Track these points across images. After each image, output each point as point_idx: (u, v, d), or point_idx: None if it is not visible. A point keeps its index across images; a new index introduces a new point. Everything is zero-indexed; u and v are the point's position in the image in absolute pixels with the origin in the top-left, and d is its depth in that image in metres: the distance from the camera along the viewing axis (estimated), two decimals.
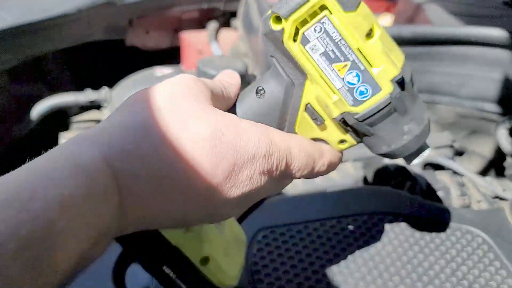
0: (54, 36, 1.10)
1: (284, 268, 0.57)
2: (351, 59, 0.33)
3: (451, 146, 0.93)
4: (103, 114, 1.14)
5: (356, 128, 0.36)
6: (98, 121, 1.20)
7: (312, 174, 0.39)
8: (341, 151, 0.41)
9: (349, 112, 0.35)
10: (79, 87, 1.49)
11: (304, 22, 0.33)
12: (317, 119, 0.37)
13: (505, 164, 1.01)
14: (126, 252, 0.48)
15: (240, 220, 0.61)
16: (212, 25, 1.58)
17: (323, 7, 0.32)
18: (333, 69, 0.34)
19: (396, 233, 0.64)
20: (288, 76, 0.37)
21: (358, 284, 0.56)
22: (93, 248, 0.28)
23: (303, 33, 0.33)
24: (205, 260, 0.41)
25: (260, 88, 0.38)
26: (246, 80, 1.11)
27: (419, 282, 0.57)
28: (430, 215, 0.68)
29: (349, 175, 0.83)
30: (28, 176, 0.27)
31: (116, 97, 1.09)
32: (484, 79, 0.94)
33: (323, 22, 0.33)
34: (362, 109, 0.35)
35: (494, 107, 0.95)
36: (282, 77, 0.37)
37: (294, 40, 0.34)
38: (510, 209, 0.71)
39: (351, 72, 0.34)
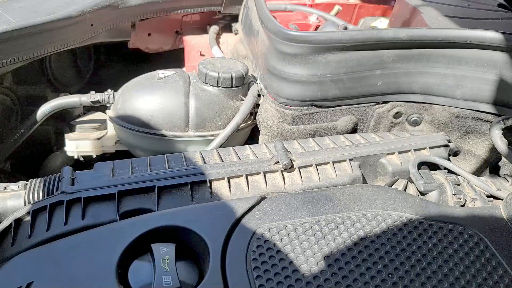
0: (58, 38, 1.12)
1: (283, 264, 0.59)
2: None
3: (447, 146, 0.95)
4: (106, 115, 1.16)
5: None
6: (101, 122, 1.21)
7: None
8: None
9: None
10: (83, 89, 1.51)
11: None
12: None
13: (500, 163, 1.02)
14: (129, 250, 0.49)
15: (240, 218, 0.62)
16: (213, 28, 1.60)
17: None
18: None
19: (393, 231, 0.66)
20: None
21: (356, 281, 0.58)
22: None
23: None
24: None
25: None
26: (245, 81, 1.13)
27: (416, 279, 0.59)
28: (426, 213, 0.69)
29: (346, 174, 0.84)
30: None
31: (120, 99, 1.10)
32: (479, 80, 0.96)
33: None
34: None
35: (488, 108, 0.97)
36: None
37: None
38: (505, 207, 0.72)
39: None
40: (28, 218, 0.68)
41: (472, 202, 0.82)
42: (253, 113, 1.14)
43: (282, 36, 0.98)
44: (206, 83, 1.09)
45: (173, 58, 1.68)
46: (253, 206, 0.68)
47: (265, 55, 1.06)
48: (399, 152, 0.90)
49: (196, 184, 0.76)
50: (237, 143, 1.15)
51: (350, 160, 0.86)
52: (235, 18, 1.60)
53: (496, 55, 0.93)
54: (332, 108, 1.03)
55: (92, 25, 1.23)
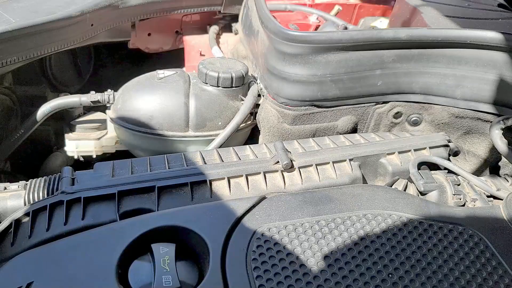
0: (58, 38, 1.12)
1: (283, 264, 0.59)
2: None
3: (447, 146, 0.95)
4: (106, 115, 1.16)
5: None
6: (101, 122, 1.21)
7: None
8: None
9: None
10: (83, 89, 1.51)
11: None
12: None
13: (500, 163, 1.02)
14: (129, 250, 0.49)
15: (240, 218, 0.62)
16: (213, 28, 1.60)
17: None
18: None
19: (393, 231, 0.66)
20: None
21: (356, 281, 0.58)
22: None
23: None
24: None
25: None
26: (245, 81, 1.13)
27: (416, 279, 0.59)
28: (426, 213, 0.69)
29: (346, 174, 0.84)
30: None
31: (120, 99, 1.10)
32: (479, 80, 0.96)
33: None
34: None
35: (488, 108, 0.97)
36: None
37: None
38: (505, 207, 0.72)
39: None
40: (28, 218, 0.68)
41: (472, 202, 0.82)
42: (253, 113, 1.14)
43: (282, 36, 0.98)
44: (206, 83, 1.09)
45: (173, 58, 1.68)
46: (253, 206, 0.68)
47: (265, 55, 1.06)
48: (399, 152, 0.90)
49: (196, 184, 0.76)
50: (237, 143, 1.15)
51: (350, 160, 0.86)
52: (235, 18, 1.60)
53: (496, 55, 0.93)
54: (332, 108, 1.03)
55: (92, 25, 1.23)
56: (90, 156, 1.21)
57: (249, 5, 1.34)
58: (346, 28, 1.44)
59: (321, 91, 1.00)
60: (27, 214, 0.69)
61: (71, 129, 1.21)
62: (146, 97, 1.07)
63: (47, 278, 0.56)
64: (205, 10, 1.56)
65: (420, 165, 0.88)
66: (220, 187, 0.77)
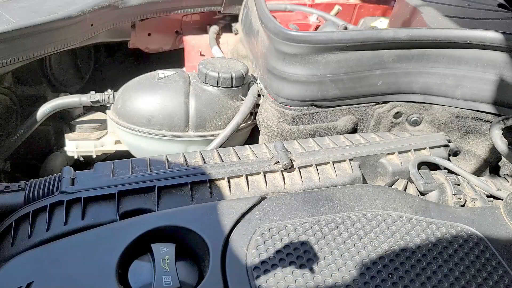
0: (58, 38, 1.12)
1: (282, 264, 0.59)
2: None
3: (447, 146, 0.95)
4: (106, 115, 1.16)
5: None
6: (101, 122, 1.21)
7: None
8: None
9: None
10: (83, 89, 1.51)
11: None
12: None
13: (500, 163, 1.02)
14: (129, 250, 0.49)
15: (240, 218, 0.62)
16: (213, 28, 1.60)
17: None
18: None
19: (392, 231, 0.66)
20: None
21: (355, 281, 0.58)
22: None
23: None
24: None
25: None
26: (245, 81, 1.13)
27: (416, 279, 0.59)
28: (426, 213, 0.69)
29: (346, 174, 0.84)
30: None
31: (120, 99, 1.10)
32: (479, 80, 0.96)
33: None
34: None
35: (488, 108, 0.97)
36: None
37: None
38: (505, 207, 0.72)
39: None
40: (28, 218, 0.68)
41: (472, 202, 0.82)
42: (253, 113, 1.14)
43: (282, 36, 0.98)
44: (206, 83, 1.09)
45: (173, 58, 1.68)
46: (253, 206, 0.68)
47: (265, 55, 1.06)
48: (399, 152, 0.90)
49: (196, 184, 0.76)
50: (237, 143, 1.15)
51: (350, 160, 0.86)
52: (235, 18, 1.60)
53: (496, 55, 0.93)
54: (332, 108, 1.03)
55: (92, 25, 1.23)
56: (90, 156, 1.21)
57: (249, 5, 1.34)
58: (346, 28, 1.44)
59: (321, 91, 1.00)
60: (27, 214, 0.69)
61: (71, 129, 1.21)
62: (146, 97, 1.07)
63: (47, 278, 0.56)
64: (205, 10, 1.56)
65: (420, 165, 0.88)
66: (220, 187, 0.77)
